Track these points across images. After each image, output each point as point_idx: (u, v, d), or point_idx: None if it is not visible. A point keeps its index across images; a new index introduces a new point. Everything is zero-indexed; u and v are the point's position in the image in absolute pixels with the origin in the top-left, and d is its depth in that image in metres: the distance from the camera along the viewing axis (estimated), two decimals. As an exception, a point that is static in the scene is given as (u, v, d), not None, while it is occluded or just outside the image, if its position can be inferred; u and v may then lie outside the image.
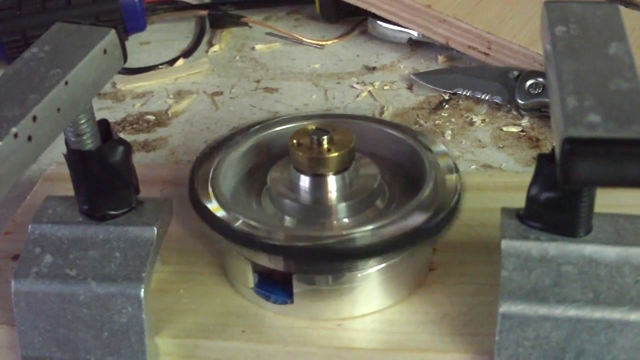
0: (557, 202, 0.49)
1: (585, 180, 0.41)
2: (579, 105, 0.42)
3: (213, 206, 0.54)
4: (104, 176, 0.52)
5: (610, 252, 0.49)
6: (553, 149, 0.46)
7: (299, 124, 0.61)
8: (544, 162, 0.49)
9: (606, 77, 0.44)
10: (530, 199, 0.50)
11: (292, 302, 0.54)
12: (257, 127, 0.61)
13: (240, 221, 0.52)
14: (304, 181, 0.55)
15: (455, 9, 0.86)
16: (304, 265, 0.53)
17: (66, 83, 0.45)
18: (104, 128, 0.52)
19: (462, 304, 0.54)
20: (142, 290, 0.51)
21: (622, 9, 0.51)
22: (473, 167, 0.72)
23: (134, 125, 0.82)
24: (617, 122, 0.41)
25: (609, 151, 0.40)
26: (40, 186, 0.67)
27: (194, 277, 0.58)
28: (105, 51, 0.49)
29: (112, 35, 0.49)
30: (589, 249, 0.49)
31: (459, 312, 0.54)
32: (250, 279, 0.55)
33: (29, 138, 0.42)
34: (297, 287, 0.53)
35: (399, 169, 0.60)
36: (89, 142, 0.51)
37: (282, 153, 0.59)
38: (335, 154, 0.54)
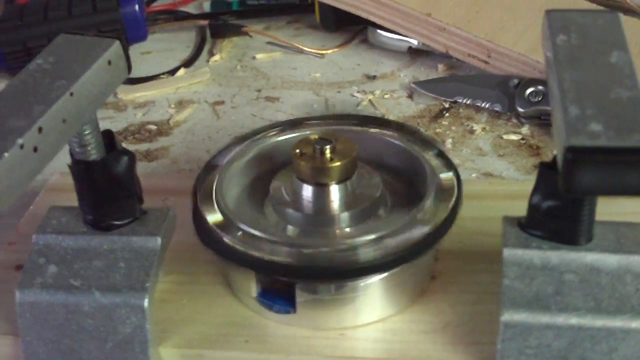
0: (559, 211, 0.49)
1: (587, 189, 0.41)
2: (581, 114, 0.42)
3: (215, 219, 0.54)
4: (108, 186, 0.52)
5: (611, 260, 0.49)
6: (554, 158, 0.46)
7: (301, 132, 0.61)
8: (546, 170, 0.49)
9: (607, 86, 0.44)
10: (531, 208, 0.50)
11: (294, 311, 0.54)
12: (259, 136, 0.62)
13: (241, 233, 0.53)
14: (307, 190, 0.56)
15: (455, 18, 0.86)
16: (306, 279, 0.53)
17: (71, 94, 0.45)
18: (108, 138, 0.52)
19: (464, 313, 0.54)
20: (146, 300, 0.51)
21: (622, 16, 0.51)
22: (474, 175, 0.72)
23: (136, 135, 0.82)
24: (619, 131, 0.41)
25: (611, 160, 0.40)
26: (43, 196, 0.67)
27: (197, 287, 0.58)
28: (109, 62, 0.49)
29: (116, 46, 0.50)
30: (590, 257, 0.49)
31: (461, 321, 0.54)
32: (253, 289, 0.55)
33: (35, 149, 0.42)
34: (300, 297, 0.53)
35: (401, 178, 0.60)
36: (94, 153, 0.51)
37: (285, 162, 0.59)
38: (338, 164, 0.55)
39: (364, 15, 0.91)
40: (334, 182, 0.55)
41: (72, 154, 0.51)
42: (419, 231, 0.52)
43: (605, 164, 0.40)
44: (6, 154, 0.40)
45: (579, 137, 0.41)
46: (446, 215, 0.54)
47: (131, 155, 0.53)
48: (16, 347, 0.53)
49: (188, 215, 0.56)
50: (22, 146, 0.41)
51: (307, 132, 0.60)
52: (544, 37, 0.50)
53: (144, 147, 0.80)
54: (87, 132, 0.50)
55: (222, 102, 0.87)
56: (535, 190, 0.50)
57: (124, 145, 0.73)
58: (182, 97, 0.88)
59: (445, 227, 0.53)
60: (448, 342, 0.52)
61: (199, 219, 0.55)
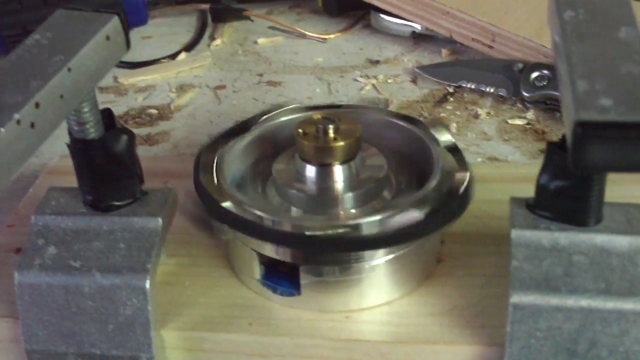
0: (567, 191, 0.48)
1: (597, 165, 0.40)
2: (590, 89, 0.41)
3: (219, 196, 0.53)
4: (107, 165, 0.51)
5: (621, 242, 0.48)
6: (563, 137, 0.45)
7: (304, 114, 0.60)
8: (554, 150, 0.48)
9: (616, 61, 0.43)
10: (539, 188, 0.49)
11: (299, 293, 0.53)
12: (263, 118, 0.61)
13: (246, 211, 0.52)
14: (310, 171, 0.55)
15: (459, 1, 0.85)
16: (311, 255, 0.52)
17: (69, 69, 0.45)
18: (108, 117, 0.51)
19: (471, 296, 0.54)
20: (147, 281, 0.50)
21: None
22: (479, 159, 0.72)
23: (137, 119, 0.81)
24: (629, 106, 0.40)
25: (621, 135, 0.39)
26: (42, 179, 0.67)
27: (199, 269, 0.57)
28: (108, 37, 0.48)
29: (115, 21, 0.49)
30: (600, 239, 0.48)
31: (468, 303, 0.53)
32: (257, 271, 0.54)
33: (32, 125, 0.41)
34: (304, 279, 0.52)
35: (405, 159, 0.59)
36: (92, 131, 0.50)
37: (288, 143, 0.58)
38: (342, 143, 0.54)
39: (367, -1, 0.91)
40: (337, 163, 0.54)
41: (70, 133, 0.51)
42: (423, 214, 0.51)
43: (615, 139, 0.39)
44: (3, 130, 0.39)
45: (589, 111, 0.40)
46: (455, 198, 0.53)
47: (131, 134, 0.52)
48: (16, 330, 0.53)
49: (190, 198, 0.56)
50: (19, 121, 0.40)
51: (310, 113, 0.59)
52: (550, 13, 0.49)
53: (144, 131, 0.79)
54: (85, 110, 0.49)
55: (224, 87, 0.86)
56: (544, 170, 0.49)
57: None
58: (183, 82, 0.88)
59: (454, 209, 0.52)
60: (456, 324, 0.52)
61: (203, 195, 0.54)
